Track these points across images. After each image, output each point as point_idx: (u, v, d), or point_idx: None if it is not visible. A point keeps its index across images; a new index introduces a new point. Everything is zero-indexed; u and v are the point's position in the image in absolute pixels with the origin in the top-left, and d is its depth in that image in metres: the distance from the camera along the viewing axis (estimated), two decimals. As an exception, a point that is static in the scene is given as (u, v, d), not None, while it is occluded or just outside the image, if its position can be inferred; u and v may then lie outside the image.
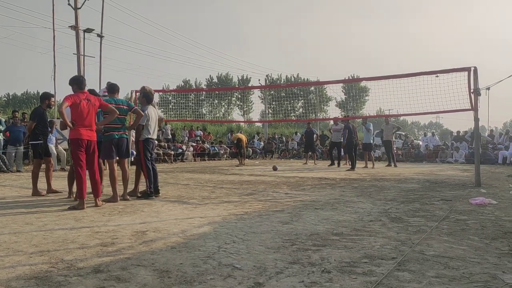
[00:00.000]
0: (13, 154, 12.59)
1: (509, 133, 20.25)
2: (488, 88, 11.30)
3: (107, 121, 6.19)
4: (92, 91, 6.65)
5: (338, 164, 15.27)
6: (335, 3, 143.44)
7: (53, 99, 7.74)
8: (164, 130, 21.68)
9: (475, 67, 8.82)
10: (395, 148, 17.65)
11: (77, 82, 5.92)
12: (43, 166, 7.73)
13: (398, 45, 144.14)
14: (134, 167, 7.65)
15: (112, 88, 6.76)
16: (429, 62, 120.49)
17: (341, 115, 32.87)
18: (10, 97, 72.42)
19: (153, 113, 7.00)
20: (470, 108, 8.95)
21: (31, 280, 2.70)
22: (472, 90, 8.84)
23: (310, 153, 18.37)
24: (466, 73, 9.00)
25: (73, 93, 5.84)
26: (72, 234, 4.08)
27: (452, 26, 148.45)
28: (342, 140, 14.76)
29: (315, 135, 18.25)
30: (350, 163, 14.15)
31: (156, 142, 8.81)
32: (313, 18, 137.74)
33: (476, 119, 8.82)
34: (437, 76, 10.15)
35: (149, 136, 6.84)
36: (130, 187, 6.95)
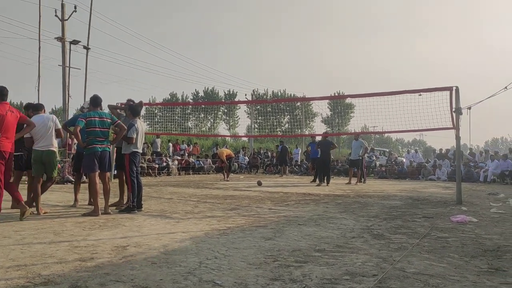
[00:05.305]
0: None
1: (489, 152, 20.63)
2: (469, 108, 11.53)
3: (23, 134, 6.16)
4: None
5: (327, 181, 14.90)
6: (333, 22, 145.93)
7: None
8: (153, 142, 21.51)
9: (457, 87, 9.02)
10: (365, 164, 17.41)
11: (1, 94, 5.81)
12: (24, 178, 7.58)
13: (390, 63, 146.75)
14: (116, 180, 7.56)
15: (95, 101, 6.60)
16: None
17: (327, 131, 33.13)
18: (-7, 107, 71.05)
19: (140, 126, 6.96)
20: (452, 126, 9.12)
21: (6, 295, 2.63)
22: (454, 109, 9.03)
23: (283, 166, 20.73)
24: (448, 92, 9.21)
25: None
26: (50, 248, 4.00)
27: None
28: (322, 156, 14.62)
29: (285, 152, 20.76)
30: (321, 179, 14.26)
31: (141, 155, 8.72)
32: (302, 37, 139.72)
33: (458, 138, 8.97)
34: (420, 95, 10.37)
35: (136, 150, 6.80)
36: (112, 200, 6.86)
